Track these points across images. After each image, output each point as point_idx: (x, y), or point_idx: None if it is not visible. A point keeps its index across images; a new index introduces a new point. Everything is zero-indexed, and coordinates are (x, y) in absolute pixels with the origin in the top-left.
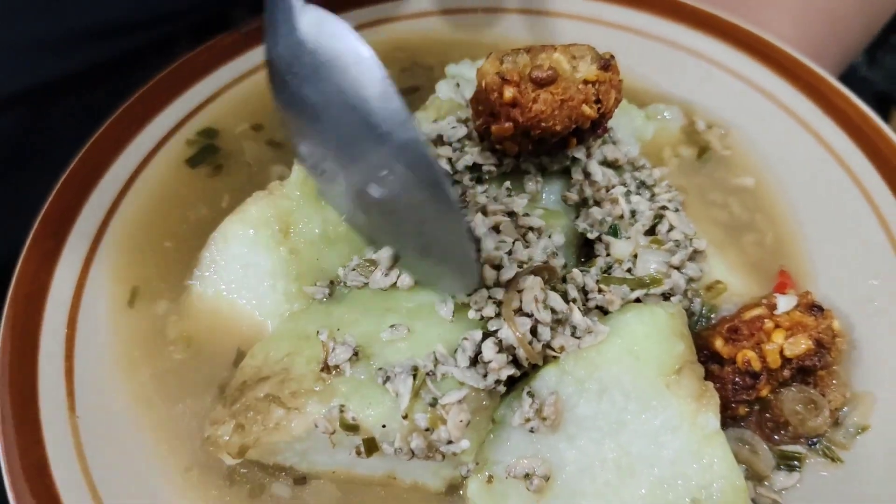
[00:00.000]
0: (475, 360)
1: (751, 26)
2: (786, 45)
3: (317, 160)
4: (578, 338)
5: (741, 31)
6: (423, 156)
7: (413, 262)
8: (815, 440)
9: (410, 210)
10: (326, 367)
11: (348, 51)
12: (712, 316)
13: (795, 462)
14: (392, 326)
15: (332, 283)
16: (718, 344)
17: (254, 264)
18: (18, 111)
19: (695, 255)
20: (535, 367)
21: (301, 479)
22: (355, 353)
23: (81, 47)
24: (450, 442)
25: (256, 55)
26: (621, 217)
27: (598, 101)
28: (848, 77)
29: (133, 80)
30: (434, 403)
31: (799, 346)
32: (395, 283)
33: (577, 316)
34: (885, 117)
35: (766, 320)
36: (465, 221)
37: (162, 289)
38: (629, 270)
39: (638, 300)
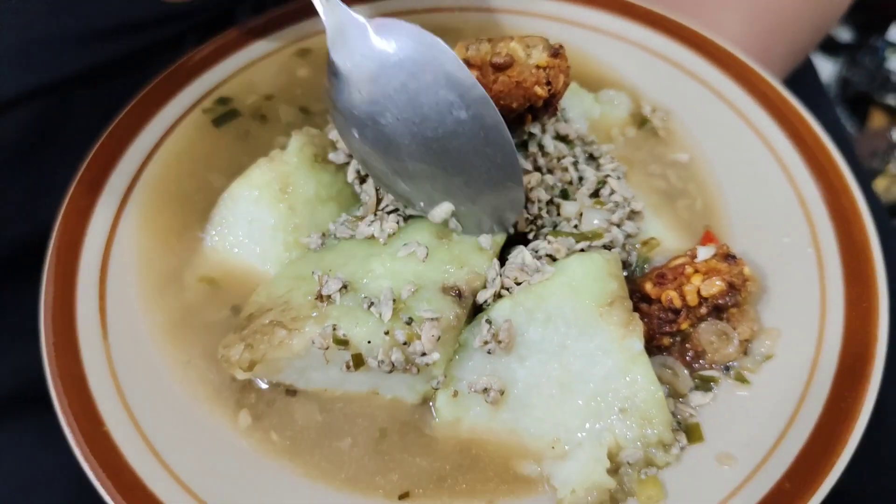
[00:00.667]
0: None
1: (693, 24)
2: (722, 40)
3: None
4: (530, 275)
5: (685, 28)
6: (490, 106)
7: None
8: (728, 366)
9: (473, 151)
10: (320, 297)
11: (421, 41)
12: (646, 266)
13: (711, 384)
14: (374, 267)
15: (323, 235)
16: (648, 287)
17: (258, 220)
18: (42, 102)
19: (632, 215)
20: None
21: (292, 392)
22: (344, 286)
23: (100, 44)
24: (423, 354)
25: (261, 46)
26: (570, 183)
27: (548, 84)
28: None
29: (146, 74)
30: (410, 322)
31: (713, 286)
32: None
33: (528, 258)
34: (865, 116)
35: (687, 266)
36: (518, 158)
37: (181, 241)
38: (576, 227)
39: (583, 251)
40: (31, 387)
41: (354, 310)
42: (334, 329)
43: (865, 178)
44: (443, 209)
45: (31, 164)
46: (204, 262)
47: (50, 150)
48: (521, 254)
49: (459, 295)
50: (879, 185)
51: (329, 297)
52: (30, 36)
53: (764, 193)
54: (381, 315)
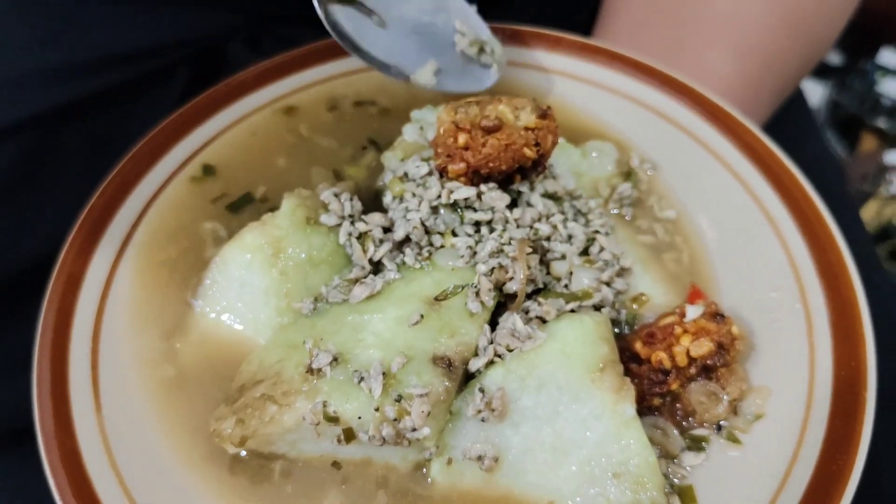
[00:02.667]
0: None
1: (679, 74)
2: (708, 90)
3: None
4: (522, 342)
5: (671, 79)
6: None
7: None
8: (719, 426)
9: None
10: (311, 370)
11: None
12: (636, 322)
13: (702, 444)
14: (365, 336)
15: (315, 299)
16: (637, 346)
17: (249, 283)
18: (27, 136)
19: (622, 272)
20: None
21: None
22: (335, 359)
23: (86, 77)
24: (414, 429)
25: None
26: (555, 240)
27: (537, 144)
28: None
29: (136, 107)
30: (399, 399)
31: (702, 347)
32: (373, 292)
33: (519, 324)
34: (856, 139)
35: (676, 326)
36: None
37: (171, 304)
38: (566, 286)
39: (573, 311)
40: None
41: (345, 384)
42: (325, 406)
43: (856, 202)
44: (428, 68)
45: (16, 197)
46: (195, 325)
47: (36, 183)
48: (511, 319)
49: (450, 365)
50: (870, 208)
51: (320, 370)
52: (14, 69)
53: (751, 248)
54: (371, 391)
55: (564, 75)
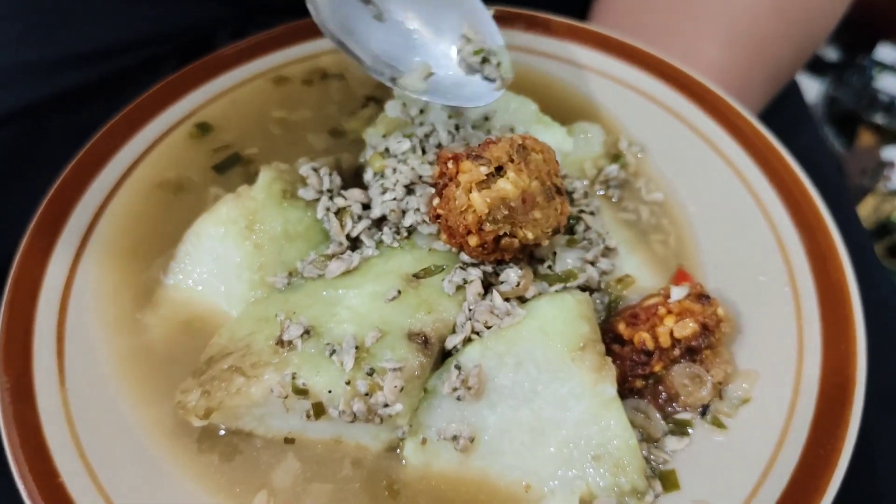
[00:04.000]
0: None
1: (669, 57)
2: (698, 74)
3: None
4: (500, 318)
5: (661, 62)
6: None
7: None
8: (704, 409)
9: None
10: (281, 342)
11: None
12: (620, 304)
13: (686, 428)
14: (339, 311)
15: (290, 274)
16: (621, 327)
17: (223, 257)
18: (13, 128)
19: (607, 252)
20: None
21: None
22: (307, 331)
23: (73, 69)
24: (386, 405)
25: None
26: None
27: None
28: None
29: (122, 98)
30: (372, 373)
31: (686, 328)
32: (350, 268)
33: (498, 300)
34: (853, 134)
35: (660, 307)
36: None
37: (143, 278)
38: (549, 267)
39: (556, 293)
40: None
41: (316, 357)
42: (294, 378)
43: (853, 198)
44: (418, 72)
45: (3, 189)
46: (166, 300)
47: (22, 175)
48: (490, 295)
49: (426, 342)
50: (868, 203)
51: (290, 342)
52: (2, 62)
53: (739, 230)
54: (342, 364)
55: (554, 58)
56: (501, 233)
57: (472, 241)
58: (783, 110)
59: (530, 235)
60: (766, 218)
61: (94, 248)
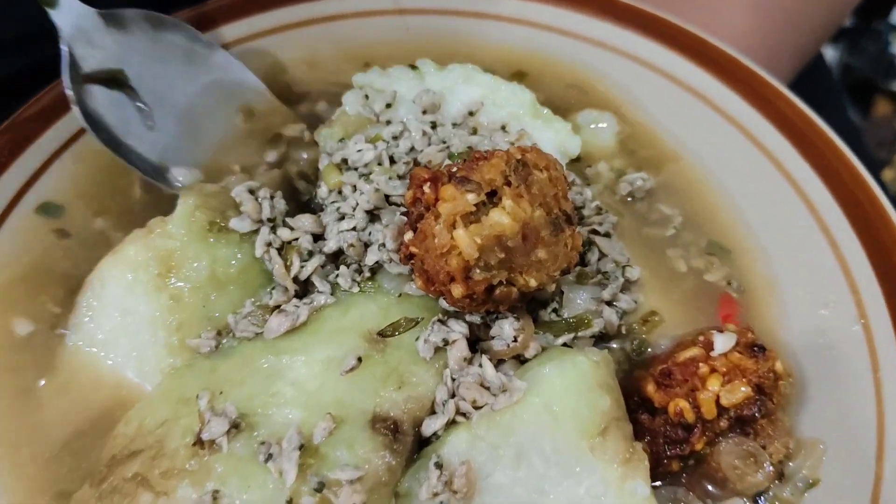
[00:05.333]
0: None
1: (690, 25)
2: (725, 45)
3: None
4: (494, 395)
5: (681, 31)
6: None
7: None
8: (759, 496)
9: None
10: (200, 442)
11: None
12: (648, 351)
13: None
14: (281, 388)
15: (219, 333)
16: (650, 389)
17: (133, 311)
18: None
19: (627, 285)
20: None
21: None
22: (235, 425)
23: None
24: None
25: None
26: None
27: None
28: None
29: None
30: (321, 488)
31: (736, 393)
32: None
33: (489, 371)
34: (869, 104)
35: (700, 364)
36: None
37: (36, 335)
38: (555, 311)
39: (566, 345)
40: None
41: (247, 463)
42: (215, 498)
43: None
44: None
45: None
46: (66, 365)
47: None
48: (479, 362)
49: (395, 430)
50: (887, 175)
51: (213, 442)
52: None
53: (792, 248)
54: (281, 474)
55: (548, 29)
56: (496, 282)
57: (457, 290)
58: (806, 82)
59: (533, 282)
60: (824, 230)
61: None
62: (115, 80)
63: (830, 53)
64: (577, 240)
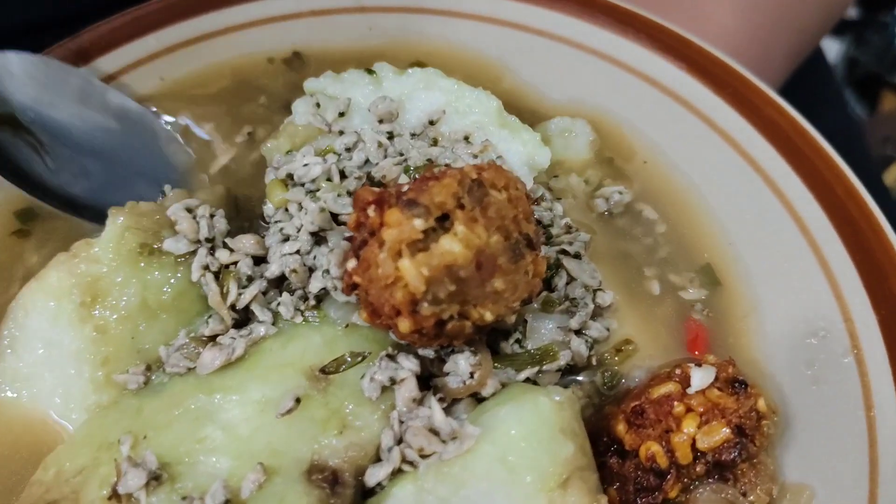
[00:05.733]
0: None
1: (672, 25)
2: (712, 47)
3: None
4: (443, 442)
5: (662, 30)
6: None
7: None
8: None
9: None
10: (115, 496)
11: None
12: (621, 383)
13: None
14: (211, 432)
15: (149, 367)
16: (620, 430)
17: (56, 343)
18: None
19: (599, 311)
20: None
21: None
22: (155, 477)
23: None
24: None
25: None
26: None
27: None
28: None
29: None
30: None
31: (715, 435)
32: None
33: (438, 416)
34: (876, 98)
35: (675, 402)
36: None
37: None
38: (518, 343)
39: (529, 380)
40: None
41: None
42: None
43: (877, 167)
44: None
45: None
46: None
47: None
48: (427, 404)
49: (334, 482)
50: (892, 173)
51: (130, 496)
52: None
53: (778, 269)
54: None
55: (518, 27)
56: (446, 316)
57: (404, 325)
58: (804, 78)
59: (489, 316)
60: (814, 250)
61: None
62: (8, 122)
63: (836, 47)
64: (541, 265)
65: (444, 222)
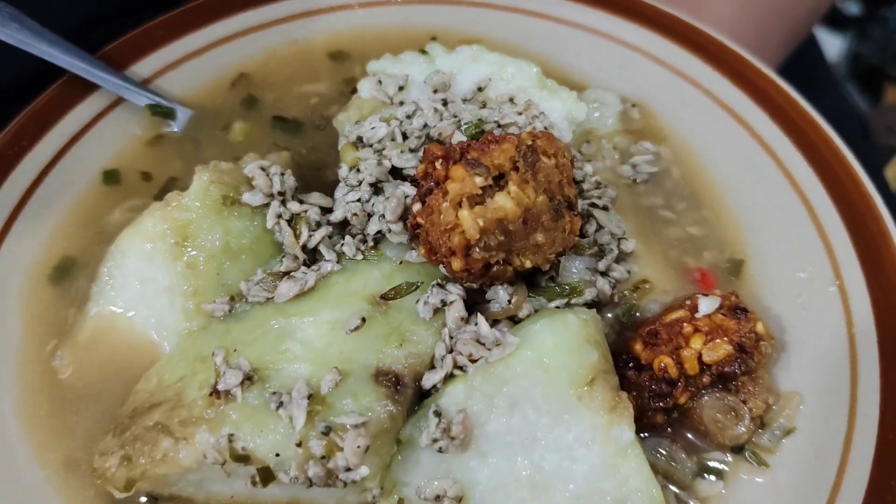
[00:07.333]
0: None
1: (677, 11)
2: (712, 30)
3: None
4: (488, 350)
5: (668, 17)
6: None
7: None
8: (740, 448)
9: None
10: (216, 393)
11: None
12: (637, 315)
13: (720, 469)
14: (291, 346)
15: (232, 298)
16: (637, 348)
17: (151, 280)
18: None
19: (622, 256)
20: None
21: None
22: (248, 378)
23: None
24: (348, 469)
25: None
26: None
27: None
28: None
29: None
30: (328, 431)
31: (718, 351)
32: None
33: (484, 327)
34: (878, 91)
35: (685, 324)
36: None
37: (62, 303)
38: (552, 279)
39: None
40: None
41: (259, 411)
42: (231, 440)
43: (879, 159)
44: None
45: None
46: (87, 332)
47: None
48: (475, 320)
49: (397, 383)
50: (889, 173)
51: (228, 392)
52: None
53: (773, 218)
54: (291, 420)
55: (542, 16)
56: (493, 261)
57: (456, 264)
58: (801, 68)
59: (528, 264)
60: (803, 201)
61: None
62: None
63: (838, 43)
64: (575, 224)
65: (499, 180)
